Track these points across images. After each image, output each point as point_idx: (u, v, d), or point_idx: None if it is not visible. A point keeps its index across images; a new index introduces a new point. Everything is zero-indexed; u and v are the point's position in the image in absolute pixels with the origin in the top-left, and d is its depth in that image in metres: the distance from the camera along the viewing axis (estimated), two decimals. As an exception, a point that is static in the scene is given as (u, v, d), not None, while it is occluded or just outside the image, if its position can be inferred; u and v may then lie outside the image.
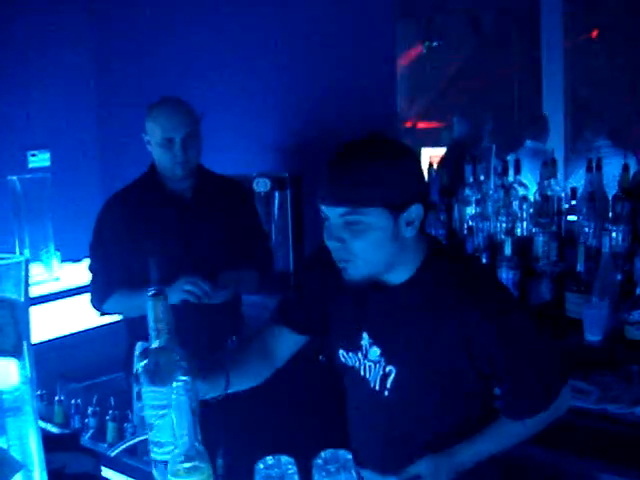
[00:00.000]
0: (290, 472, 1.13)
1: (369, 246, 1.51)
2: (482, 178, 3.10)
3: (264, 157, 3.57)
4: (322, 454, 1.15)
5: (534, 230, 2.85)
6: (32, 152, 4.12)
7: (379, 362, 1.63)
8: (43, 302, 3.16)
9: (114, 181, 4.42)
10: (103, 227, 2.52)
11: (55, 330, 3.16)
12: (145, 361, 1.40)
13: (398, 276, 1.60)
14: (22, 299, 1.01)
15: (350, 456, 1.15)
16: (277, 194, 3.33)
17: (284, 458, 1.14)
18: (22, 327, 1.00)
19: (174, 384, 1.26)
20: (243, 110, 3.67)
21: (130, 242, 2.47)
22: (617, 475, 2.41)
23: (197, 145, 2.53)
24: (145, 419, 1.41)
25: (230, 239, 2.56)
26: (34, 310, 3.05)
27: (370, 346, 1.65)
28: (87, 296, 2.67)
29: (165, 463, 1.36)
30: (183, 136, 2.46)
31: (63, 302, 3.24)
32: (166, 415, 1.37)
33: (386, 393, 1.62)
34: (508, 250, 2.77)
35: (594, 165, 2.84)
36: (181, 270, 2.32)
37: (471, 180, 3.08)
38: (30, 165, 4.12)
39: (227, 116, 3.65)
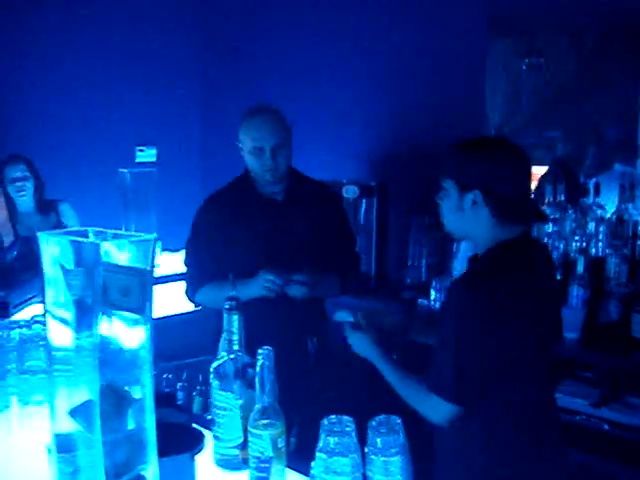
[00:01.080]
0: (348, 429, 1.34)
1: (445, 207, 1.96)
2: (562, 198, 3.20)
3: (353, 165, 3.75)
4: (376, 418, 1.35)
5: (607, 251, 2.95)
6: (140, 147, 4.42)
7: None
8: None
9: (213, 178, 4.70)
10: (199, 225, 2.72)
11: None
12: (215, 365, 1.62)
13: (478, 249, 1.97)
14: (148, 268, 1.24)
15: (399, 421, 1.35)
16: (364, 201, 3.52)
17: (345, 417, 1.35)
18: (147, 291, 1.24)
19: (259, 351, 1.49)
20: (336, 120, 3.86)
21: (223, 240, 2.65)
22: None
23: (286, 153, 2.63)
24: (212, 415, 1.63)
25: (319, 240, 2.68)
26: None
27: None
28: (182, 284, 2.92)
29: (221, 455, 1.61)
30: (272, 146, 2.57)
31: (161, 287, 3.49)
32: (227, 416, 1.58)
33: None
34: (580, 268, 2.88)
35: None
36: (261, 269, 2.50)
37: (551, 199, 3.19)
38: (137, 160, 4.42)
39: (321, 125, 3.86)
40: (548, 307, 2.03)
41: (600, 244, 3.08)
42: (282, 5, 4.23)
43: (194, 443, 1.53)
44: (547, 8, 3.71)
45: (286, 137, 2.62)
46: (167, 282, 3.53)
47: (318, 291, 2.60)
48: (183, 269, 2.90)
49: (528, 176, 2.02)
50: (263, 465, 1.49)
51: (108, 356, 1.23)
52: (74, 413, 1.28)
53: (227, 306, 1.58)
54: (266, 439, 1.48)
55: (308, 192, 2.76)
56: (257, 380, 1.50)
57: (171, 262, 3.70)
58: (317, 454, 1.35)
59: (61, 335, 1.26)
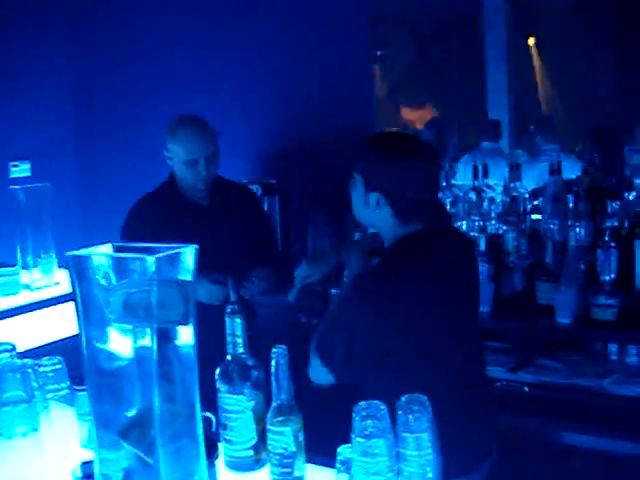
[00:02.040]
0: (382, 412, 1.41)
1: (353, 198, 2.06)
2: (453, 181, 3.42)
3: (250, 164, 3.81)
4: (405, 396, 1.43)
5: (504, 228, 3.18)
6: (14, 163, 4.25)
7: None
8: (48, 306, 3.34)
9: (90, 188, 4.62)
10: (129, 232, 2.72)
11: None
12: (221, 369, 1.64)
13: (386, 244, 2.08)
14: (190, 279, 1.25)
15: (426, 398, 1.44)
16: (266, 199, 3.58)
17: (374, 402, 1.42)
18: (190, 302, 1.25)
19: (274, 350, 1.53)
20: (231, 120, 3.88)
21: None
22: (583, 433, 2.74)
23: (217, 161, 2.75)
24: (220, 419, 1.66)
25: (246, 242, 2.78)
26: (38, 314, 3.20)
27: None
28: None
29: (233, 457, 1.63)
30: (206, 156, 2.67)
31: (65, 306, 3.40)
32: (240, 419, 1.62)
33: None
34: (482, 246, 3.08)
35: (555, 169, 3.17)
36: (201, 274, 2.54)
37: (444, 184, 3.39)
38: (12, 175, 4.25)
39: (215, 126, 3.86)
40: (463, 293, 2.13)
41: (493, 221, 3.32)
42: (161, 3, 4.19)
43: (210, 450, 1.55)
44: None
45: (217, 147, 2.71)
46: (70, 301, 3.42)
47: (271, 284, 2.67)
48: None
49: (435, 178, 2.12)
50: (286, 461, 1.54)
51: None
52: (125, 434, 1.27)
53: (229, 310, 1.61)
54: (288, 435, 1.53)
55: (230, 195, 2.86)
56: (273, 378, 1.54)
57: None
58: (354, 438, 1.42)
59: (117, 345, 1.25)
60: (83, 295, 1.26)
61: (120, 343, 1.26)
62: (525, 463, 2.65)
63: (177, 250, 1.23)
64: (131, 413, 1.27)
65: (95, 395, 1.30)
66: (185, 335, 1.28)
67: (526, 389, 2.91)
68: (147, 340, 1.24)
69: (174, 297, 1.26)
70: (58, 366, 1.99)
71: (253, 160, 3.83)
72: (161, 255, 1.20)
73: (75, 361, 2.10)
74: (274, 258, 2.89)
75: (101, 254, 1.25)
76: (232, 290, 1.73)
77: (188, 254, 1.24)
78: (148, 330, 1.23)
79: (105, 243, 1.58)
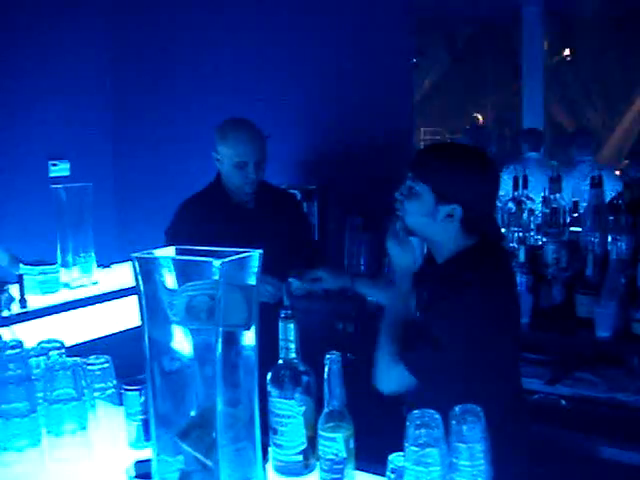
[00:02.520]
0: (436, 421, 1.41)
1: (411, 208, 1.98)
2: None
3: (290, 170, 3.82)
4: (459, 407, 1.43)
5: (544, 239, 3.17)
6: (53, 162, 4.30)
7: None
8: (87, 305, 3.37)
9: (127, 188, 4.66)
10: (176, 233, 2.75)
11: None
12: (272, 374, 1.65)
13: (439, 257, 2.04)
14: (254, 283, 1.26)
15: (480, 409, 1.44)
16: (305, 205, 3.60)
17: (428, 411, 1.42)
18: (253, 306, 1.26)
19: (327, 356, 1.54)
20: (273, 126, 3.90)
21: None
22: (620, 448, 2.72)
23: (265, 165, 2.80)
24: (270, 423, 1.66)
25: (289, 245, 2.80)
26: (77, 313, 3.24)
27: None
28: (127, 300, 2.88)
29: (282, 462, 1.63)
30: (256, 161, 2.73)
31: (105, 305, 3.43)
32: (291, 424, 1.62)
33: None
34: (522, 257, 3.07)
35: (597, 181, 3.16)
36: None
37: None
38: (51, 174, 4.29)
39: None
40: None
41: (532, 233, 3.31)
42: (200, 6, 4.21)
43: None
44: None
45: (266, 151, 2.77)
46: (110, 300, 3.46)
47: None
48: (122, 284, 2.88)
49: (498, 192, 2.10)
50: (337, 467, 1.54)
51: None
52: (185, 435, 1.29)
53: (283, 315, 1.62)
54: (340, 441, 1.54)
55: (274, 199, 2.91)
56: (325, 384, 1.55)
57: (109, 278, 3.64)
58: (408, 447, 1.42)
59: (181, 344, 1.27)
60: (147, 296, 1.28)
61: (183, 344, 1.28)
62: (561, 477, 2.64)
63: (243, 255, 1.24)
64: (191, 415, 1.29)
65: (155, 395, 1.31)
66: (247, 338, 1.29)
67: (563, 402, 2.90)
68: (210, 342, 1.25)
69: (238, 301, 1.27)
70: (106, 365, 2.01)
71: (292, 166, 3.84)
72: (227, 260, 1.21)
73: (116, 360, 2.14)
74: (315, 262, 2.90)
75: (167, 256, 1.26)
76: (286, 295, 1.74)
77: (253, 259, 1.25)
78: (211, 332, 1.25)
79: (141, 243, 1.60)
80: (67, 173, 4.35)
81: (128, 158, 4.60)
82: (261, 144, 2.75)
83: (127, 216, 4.60)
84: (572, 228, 3.28)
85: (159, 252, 1.30)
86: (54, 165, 4.30)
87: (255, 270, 1.26)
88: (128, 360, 1.95)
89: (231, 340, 1.26)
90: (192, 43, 4.27)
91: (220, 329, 1.22)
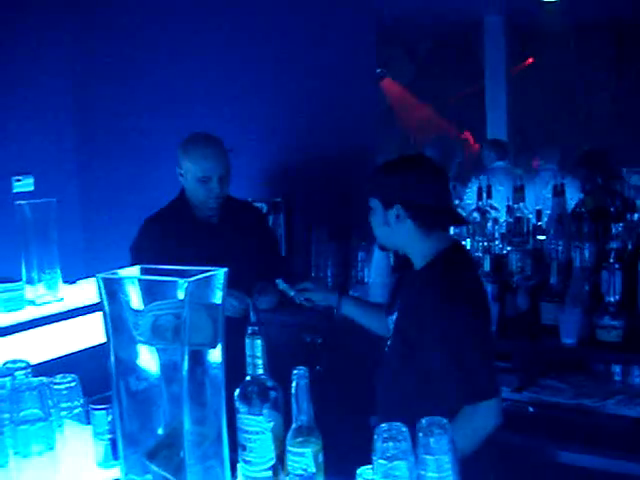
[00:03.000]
0: (404, 434, 1.42)
1: (372, 223, 2.16)
2: (457, 202, 3.44)
3: (257, 183, 3.83)
4: (425, 419, 1.44)
5: (509, 248, 3.20)
6: (17, 177, 4.26)
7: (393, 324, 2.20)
8: (53, 322, 3.33)
9: (93, 204, 4.62)
10: (141, 250, 2.74)
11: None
12: (240, 390, 1.65)
13: (417, 264, 2.16)
14: (219, 302, 1.27)
15: (446, 421, 1.45)
16: (271, 217, 3.61)
17: (396, 423, 1.43)
18: (219, 324, 1.26)
19: (294, 371, 1.54)
20: (238, 139, 3.90)
21: (166, 264, 2.68)
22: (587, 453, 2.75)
23: (229, 179, 2.79)
24: (239, 440, 1.66)
25: (256, 259, 2.80)
26: (42, 330, 3.20)
27: (394, 310, 2.22)
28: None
29: (251, 478, 1.63)
30: (219, 175, 2.72)
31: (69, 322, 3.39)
32: (260, 440, 1.63)
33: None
34: (487, 266, 3.11)
35: (559, 190, 3.21)
36: None
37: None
38: (15, 190, 4.25)
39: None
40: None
41: (497, 242, 3.35)
42: (164, 20, 4.21)
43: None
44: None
45: (229, 166, 2.76)
46: (76, 316, 3.42)
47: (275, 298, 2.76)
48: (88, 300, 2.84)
49: (445, 186, 2.21)
50: (306, 481, 1.55)
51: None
52: (152, 455, 1.28)
53: (250, 331, 1.62)
54: (309, 456, 1.54)
55: (239, 213, 2.90)
56: (293, 400, 1.56)
57: (74, 294, 3.59)
58: (376, 460, 1.43)
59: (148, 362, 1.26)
60: (113, 315, 1.28)
61: (149, 363, 1.28)
62: (529, 483, 2.67)
63: (208, 274, 1.24)
64: (159, 434, 1.28)
65: (122, 415, 1.31)
66: (213, 356, 1.29)
67: (530, 409, 2.93)
68: (176, 361, 1.25)
69: (203, 320, 1.27)
70: (72, 384, 2.00)
71: (258, 178, 3.85)
72: (193, 279, 1.21)
73: (83, 377, 2.12)
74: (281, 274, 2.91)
75: (132, 276, 1.26)
76: (253, 311, 1.74)
77: (218, 278, 1.26)
78: (177, 351, 1.25)
79: (108, 259, 1.59)
80: (31, 188, 4.31)
81: (93, 172, 4.58)
82: (224, 159, 2.75)
83: (93, 231, 4.57)
84: (537, 237, 3.32)
85: (124, 272, 1.30)
86: (18, 181, 4.26)
87: (220, 288, 1.26)
88: (95, 377, 1.94)
89: (197, 359, 1.26)
90: (157, 58, 4.26)
91: (186, 348, 1.22)
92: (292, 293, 2.53)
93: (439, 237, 2.13)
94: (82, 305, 3.44)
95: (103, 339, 1.33)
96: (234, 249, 2.73)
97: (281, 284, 2.49)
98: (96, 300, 2.45)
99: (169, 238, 2.71)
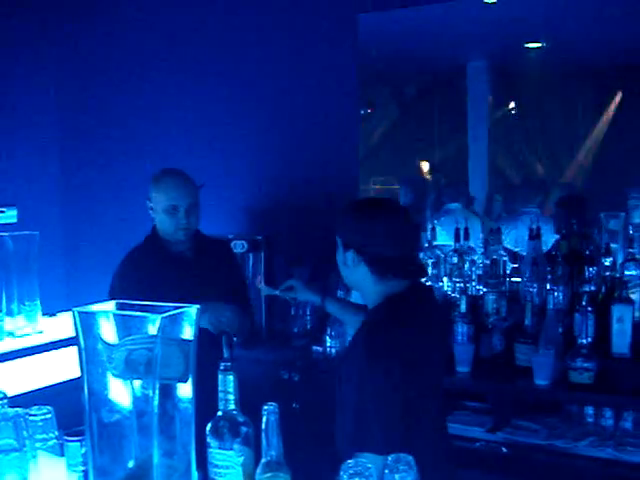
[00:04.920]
0: (369, 470, 1.45)
1: (337, 260, 2.17)
2: (435, 243, 3.50)
3: (239, 219, 3.87)
4: (390, 457, 1.47)
5: (485, 290, 3.25)
6: (0, 209, 4.29)
7: None
8: (32, 354, 3.34)
9: (75, 237, 4.65)
10: (118, 289, 2.78)
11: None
12: (212, 425, 1.67)
13: (368, 305, 2.16)
14: (192, 338, 1.30)
15: (411, 458, 1.48)
16: (252, 255, 3.64)
17: (361, 460, 1.46)
18: (190, 359, 1.30)
19: (264, 407, 1.57)
20: (218, 176, 3.96)
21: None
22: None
23: (198, 212, 2.86)
24: (209, 474, 1.68)
25: (226, 295, 2.84)
26: (21, 362, 3.22)
27: None
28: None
29: None
30: (187, 205, 2.78)
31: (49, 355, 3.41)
32: (230, 474, 1.65)
33: None
34: (463, 307, 3.15)
35: (535, 234, 3.26)
36: None
37: (426, 245, 3.47)
38: (-2, 222, 4.28)
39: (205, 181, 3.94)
40: (436, 354, 2.18)
41: (474, 283, 3.40)
42: (144, 58, 4.28)
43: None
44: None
45: (198, 198, 2.84)
46: (54, 349, 3.44)
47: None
48: (67, 333, 2.88)
49: (406, 235, 2.15)
50: (275, 516, 1.57)
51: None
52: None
53: (222, 367, 1.65)
54: (277, 490, 1.57)
55: (211, 249, 2.97)
56: (262, 435, 1.59)
57: (53, 327, 3.62)
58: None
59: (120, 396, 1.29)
60: (88, 349, 1.31)
61: (121, 397, 1.31)
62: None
63: (180, 310, 1.28)
64: (129, 466, 1.31)
65: (94, 447, 1.34)
66: (184, 391, 1.32)
67: (504, 450, 2.95)
68: (148, 394, 1.28)
69: (175, 355, 1.31)
70: (48, 416, 2.01)
71: (240, 215, 3.90)
72: (166, 315, 1.25)
73: (59, 410, 2.13)
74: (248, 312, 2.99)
75: (107, 311, 1.29)
76: (225, 346, 1.77)
77: (191, 314, 1.29)
78: (149, 385, 1.28)
79: (89, 291, 1.62)
80: (14, 220, 4.34)
81: (76, 205, 4.62)
82: (192, 189, 2.83)
83: (75, 264, 4.59)
84: (513, 279, 3.37)
85: (99, 306, 1.33)
86: (1, 212, 4.29)
87: (192, 324, 1.30)
88: (72, 410, 1.96)
89: (168, 393, 1.29)
90: (141, 93, 4.33)
91: (157, 382, 1.25)
92: (277, 292, 2.64)
93: (393, 283, 2.08)
94: (61, 338, 3.48)
95: (79, 372, 1.36)
96: (207, 283, 2.80)
97: (264, 289, 2.53)
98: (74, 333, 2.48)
99: (145, 276, 2.74)
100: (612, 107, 5.77)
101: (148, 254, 2.87)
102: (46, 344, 3.46)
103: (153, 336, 1.28)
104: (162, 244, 2.88)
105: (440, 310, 2.41)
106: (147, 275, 2.74)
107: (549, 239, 3.50)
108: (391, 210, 2.14)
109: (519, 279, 3.28)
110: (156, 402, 1.25)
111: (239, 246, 3.61)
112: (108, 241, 4.30)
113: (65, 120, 4.62)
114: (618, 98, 5.62)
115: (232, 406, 1.68)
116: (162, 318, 1.24)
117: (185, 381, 1.32)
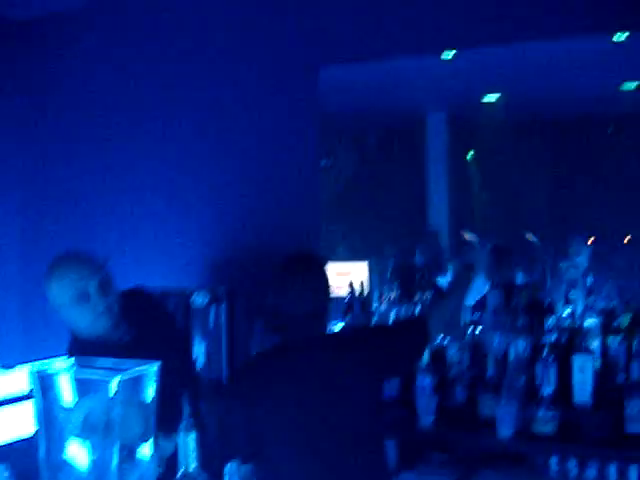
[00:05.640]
0: None
1: None
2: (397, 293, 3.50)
3: (200, 271, 3.85)
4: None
5: (448, 340, 3.26)
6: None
7: None
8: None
9: (33, 290, 4.57)
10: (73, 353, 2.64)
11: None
12: None
13: None
14: (149, 400, 1.28)
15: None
16: (213, 307, 3.61)
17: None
18: (150, 420, 1.27)
19: (227, 466, 1.54)
20: (182, 228, 3.95)
21: None
22: None
23: (112, 289, 2.44)
24: None
25: (169, 371, 2.74)
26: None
27: None
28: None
29: None
30: (97, 285, 2.37)
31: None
32: None
33: None
34: (426, 358, 3.14)
35: (495, 283, 3.29)
36: None
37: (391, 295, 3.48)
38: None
39: (163, 233, 3.92)
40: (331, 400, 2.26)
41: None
42: (108, 111, 4.28)
43: None
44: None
45: (106, 273, 2.45)
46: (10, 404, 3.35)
47: None
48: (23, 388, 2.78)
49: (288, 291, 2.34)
50: None
51: None
52: None
53: (183, 425, 1.62)
54: None
55: (146, 319, 2.62)
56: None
57: (8, 381, 3.52)
58: None
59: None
60: (45, 410, 1.28)
61: (79, 457, 1.27)
62: None
63: (139, 371, 1.26)
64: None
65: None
66: (143, 452, 1.29)
67: (469, 502, 2.93)
68: (106, 455, 1.25)
69: (134, 416, 1.28)
70: (5, 474, 1.95)
71: (200, 267, 3.87)
72: (125, 376, 1.23)
73: (15, 468, 2.06)
74: (191, 384, 2.68)
75: (65, 373, 1.26)
76: (186, 405, 1.74)
77: (150, 375, 1.27)
78: (107, 446, 1.25)
79: (47, 345, 1.58)
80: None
81: (35, 257, 4.55)
82: (95, 267, 2.41)
83: (33, 317, 4.51)
84: (475, 329, 3.38)
85: (57, 366, 1.30)
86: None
87: (152, 385, 1.27)
88: (29, 468, 1.90)
89: (127, 454, 1.26)
90: (102, 147, 4.32)
91: (116, 443, 1.22)
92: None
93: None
94: (16, 394, 3.39)
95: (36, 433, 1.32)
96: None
97: None
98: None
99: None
100: (564, 157, 5.89)
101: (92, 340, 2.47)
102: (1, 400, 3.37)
103: (110, 397, 1.25)
104: (85, 346, 2.41)
105: (337, 355, 2.34)
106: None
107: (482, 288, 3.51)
108: (294, 266, 2.39)
109: (478, 330, 3.29)
110: (115, 463, 1.22)
111: (200, 298, 3.57)
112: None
113: (27, 183, 4.59)
114: (571, 148, 5.75)
115: (193, 465, 1.64)
116: (121, 380, 1.22)
117: (145, 442, 1.29)
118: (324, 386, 2.23)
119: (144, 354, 2.56)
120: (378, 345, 2.40)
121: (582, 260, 3.99)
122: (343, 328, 3.35)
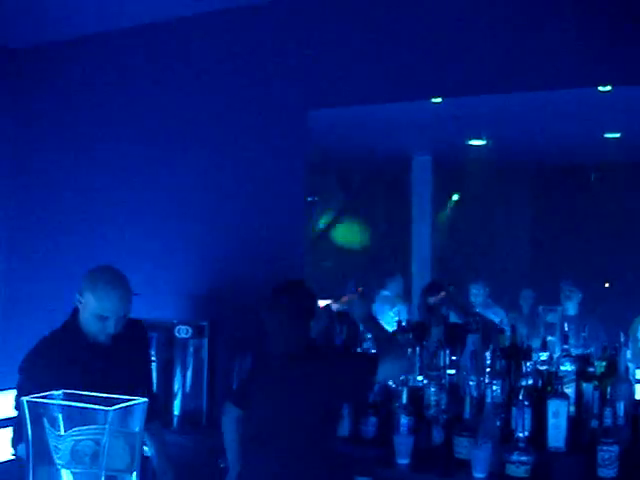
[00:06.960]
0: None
1: None
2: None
3: (183, 305, 3.89)
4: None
5: (425, 382, 3.31)
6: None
7: None
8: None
9: (13, 315, 4.59)
10: (30, 372, 2.68)
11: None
12: None
13: None
14: (137, 430, 1.32)
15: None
16: (192, 341, 3.64)
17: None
18: (136, 452, 1.31)
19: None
20: (166, 260, 3.99)
21: (54, 387, 2.61)
22: None
23: (125, 319, 2.79)
24: None
25: (140, 380, 2.89)
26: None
27: None
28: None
29: None
30: (117, 317, 2.72)
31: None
32: None
33: None
34: (404, 399, 3.19)
35: (474, 327, 3.35)
36: None
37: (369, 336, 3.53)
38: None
39: (147, 266, 3.96)
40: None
41: (415, 375, 3.45)
42: (94, 139, 4.34)
43: None
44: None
45: (129, 308, 2.78)
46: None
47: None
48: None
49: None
50: None
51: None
52: None
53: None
54: None
55: (128, 333, 2.87)
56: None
57: None
58: None
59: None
60: (35, 439, 1.32)
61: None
62: None
63: (129, 403, 1.31)
64: None
65: None
66: (129, 484, 1.34)
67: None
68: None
69: (121, 447, 1.33)
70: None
71: (183, 301, 3.92)
72: (115, 408, 1.28)
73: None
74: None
75: (56, 402, 1.31)
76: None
77: (139, 407, 1.32)
78: (94, 476, 1.29)
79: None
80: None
81: (17, 279, 4.58)
82: (127, 302, 2.76)
83: (12, 343, 4.51)
84: (452, 371, 3.43)
85: (48, 397, 1.35)
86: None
87: (139, 418, 1.32)
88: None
89: (114, 484, 1.30)
90: (91, 176, 4.37)
91: (103, 473, 1.27)
92: None
93: None
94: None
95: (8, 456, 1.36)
96: (122, 372, 2.73)
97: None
98: (9, 414, 2.46)
99: (58, 361, 2.64)
100: (547, 203, 5.98)
101: (65, 340, 2.77)
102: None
103: (100, 427, 1.30)
104: (79, 332, 2.79)
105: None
106: (63, 360, 2.65)
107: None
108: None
109: (453, 372, 3.35)
110: (101, 494, 1.26)
111: (183, 331, 3.62)
112: (47, 319, 4.25)
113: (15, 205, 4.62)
114: (554, 195, 5.85)
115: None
116: (110, 411, 1.26)
117: (131, 473, 1.33)
118: (286, 387, 2.77)
119: (114, 358, 2.72)
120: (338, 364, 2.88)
121: (571, 306, 4.06)
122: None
